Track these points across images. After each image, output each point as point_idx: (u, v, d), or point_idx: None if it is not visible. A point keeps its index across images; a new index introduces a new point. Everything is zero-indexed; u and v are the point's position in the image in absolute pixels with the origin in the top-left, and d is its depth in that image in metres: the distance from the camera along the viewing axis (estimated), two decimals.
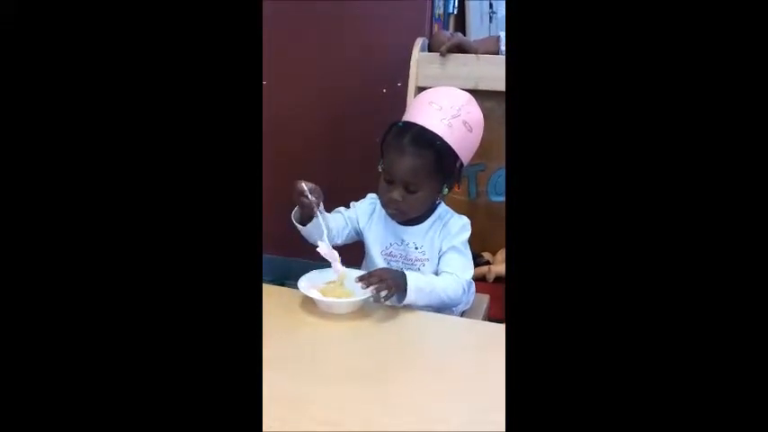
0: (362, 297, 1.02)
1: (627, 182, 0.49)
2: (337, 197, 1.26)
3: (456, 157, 1.09)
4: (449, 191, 1.14)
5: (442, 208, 1.18)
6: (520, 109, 0.51)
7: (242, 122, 0.52)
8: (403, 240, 1.17)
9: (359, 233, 1.22)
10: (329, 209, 1.24)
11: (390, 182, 1.10)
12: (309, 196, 1.05)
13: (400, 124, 1.12)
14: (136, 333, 0.50)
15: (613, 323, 0.48)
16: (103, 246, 0.50)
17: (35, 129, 0.49)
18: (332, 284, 1.08)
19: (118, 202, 0.50)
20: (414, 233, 1.17)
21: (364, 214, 1.22)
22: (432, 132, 1.07)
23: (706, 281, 0.46)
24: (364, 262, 1.23)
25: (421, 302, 1.06)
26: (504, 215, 0.57)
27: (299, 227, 1.13)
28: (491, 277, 1.76)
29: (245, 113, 0.52)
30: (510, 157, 0.53)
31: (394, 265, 1.16)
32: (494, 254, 1.86)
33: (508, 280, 0.53)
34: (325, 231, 1.08)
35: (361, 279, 1.02)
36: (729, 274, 0.46)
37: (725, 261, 0.46)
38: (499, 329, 1.01)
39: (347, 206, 1.25)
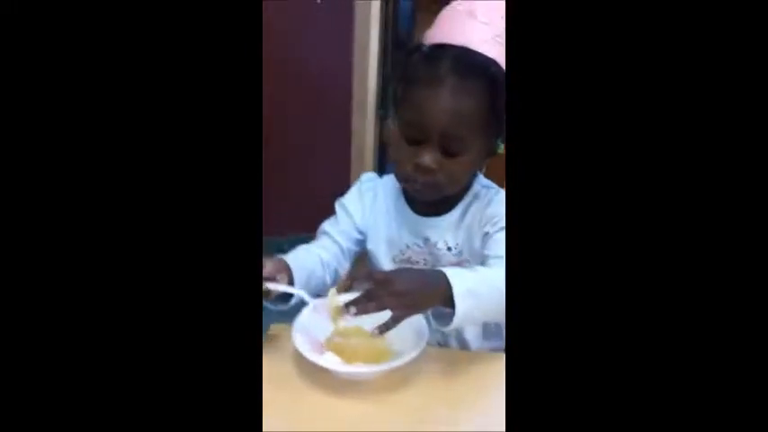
0: (408, 357, 0.65)
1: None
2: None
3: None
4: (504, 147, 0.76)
5: (480, 181, 0.80)
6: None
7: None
8: (427, 239, 0.79)
9: (360, 240, 0.83)
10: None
11: (417, 141, 0.70)
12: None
13: (425, 48, 0.72)
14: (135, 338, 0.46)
15: (621, 330, 0.44)
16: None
17: (34, 128, 0.46)
18: (342, 332, 0.70)
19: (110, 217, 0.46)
20: (442, 226, 0.78)
21: (359, 209, 0.82)
22: (482, 56, 0.69)
23: (709, 302, 0.44)
24: None
25: (479, 314, 0.66)
26: None
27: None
28: None
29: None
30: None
31: None
32: None
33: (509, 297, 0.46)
34: (302, 293, 0.70)
35: (348, 305, 0.62)
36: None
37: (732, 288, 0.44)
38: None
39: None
